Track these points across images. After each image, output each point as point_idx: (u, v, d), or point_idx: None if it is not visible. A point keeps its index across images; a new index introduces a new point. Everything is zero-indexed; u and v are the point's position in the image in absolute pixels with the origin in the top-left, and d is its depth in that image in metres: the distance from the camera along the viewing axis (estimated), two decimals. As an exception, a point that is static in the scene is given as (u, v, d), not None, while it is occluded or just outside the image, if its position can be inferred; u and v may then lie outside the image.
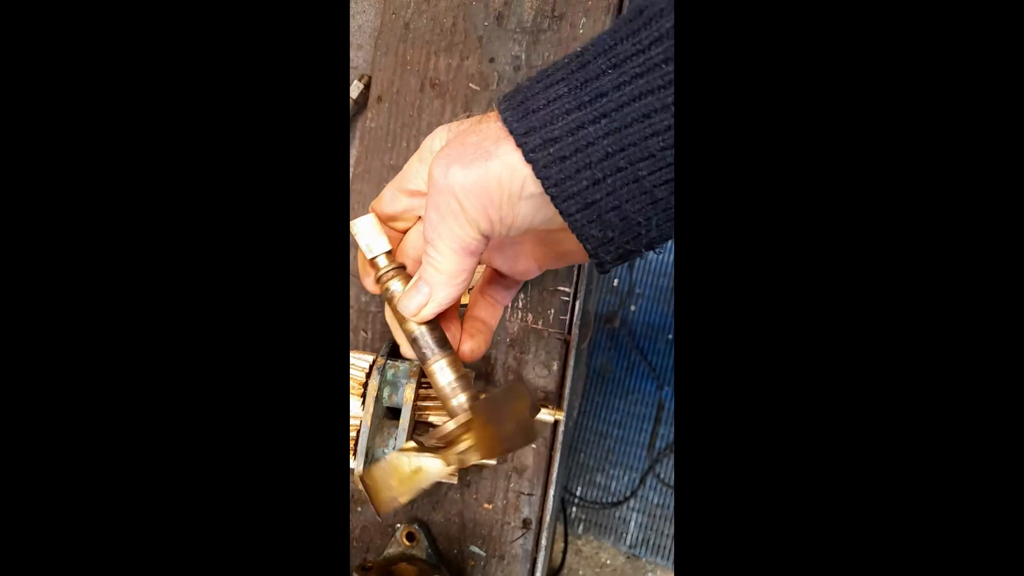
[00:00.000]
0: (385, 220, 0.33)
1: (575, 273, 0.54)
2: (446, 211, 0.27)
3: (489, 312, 0.36)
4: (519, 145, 0.26)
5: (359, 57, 0.64)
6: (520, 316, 0.54)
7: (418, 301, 0.30)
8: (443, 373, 0.31)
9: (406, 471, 0.30)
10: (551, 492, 0.53)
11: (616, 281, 1.44)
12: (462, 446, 0.29)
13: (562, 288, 0.54)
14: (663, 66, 0.23)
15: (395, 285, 0.31)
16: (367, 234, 0.32)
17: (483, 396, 0.30)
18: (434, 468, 0.31)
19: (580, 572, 1.45)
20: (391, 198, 0.33)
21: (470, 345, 0.34)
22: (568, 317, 0.54)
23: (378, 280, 0.32)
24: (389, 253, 0.32)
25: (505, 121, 0.26)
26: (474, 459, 0.30)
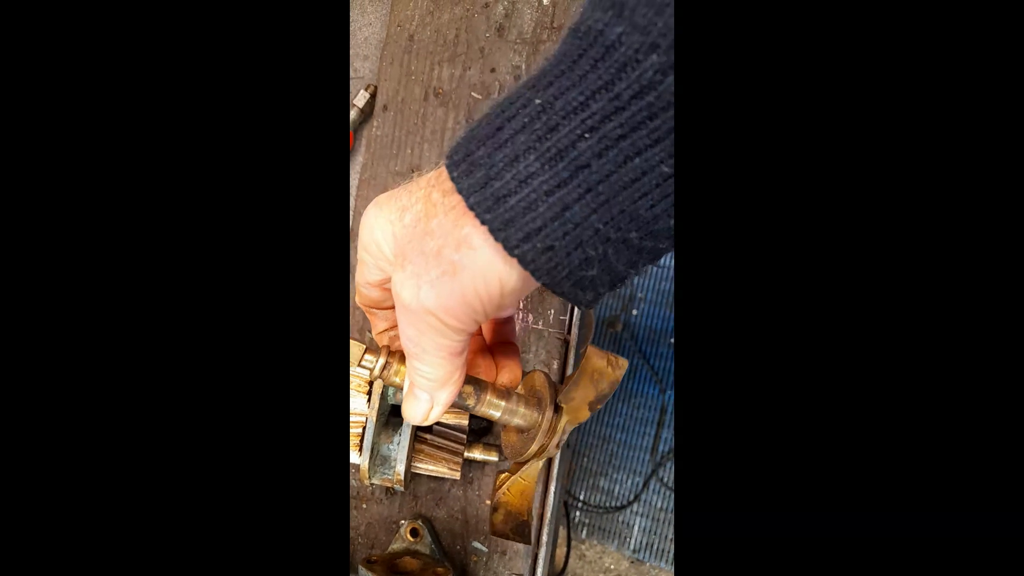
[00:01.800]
0: (375, 305, 0.31)
1: (574, 275, 0.56)
2: (425, 327, 0.25)
3: (506, 328, 0.34)
4: (498, 240, 0.22)
5: (365, 68, 0.66)
6: (521, 316, 0.56)
7: (422, 409, 0.29)
8: (493, 408, 0.30)
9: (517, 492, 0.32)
10: (552, 488, 0.54)
11: (618, 286, 1.45)
12: (550, 442, 0.29)
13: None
14: (648, 123, 0.20)
15: (398, 371, 0.30)
16: None
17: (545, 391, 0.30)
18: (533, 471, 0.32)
19: (584, 577, 1.45)
20: (367, 292, 0.31)
21: (507, 376, 0.33)
22: (568, 317, 0.55)
23: (378, 379, 0.31)
24: (366, 350, 0.30)
25: (473, 208, 0.22)
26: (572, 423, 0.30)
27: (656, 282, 1.44)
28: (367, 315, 0.33)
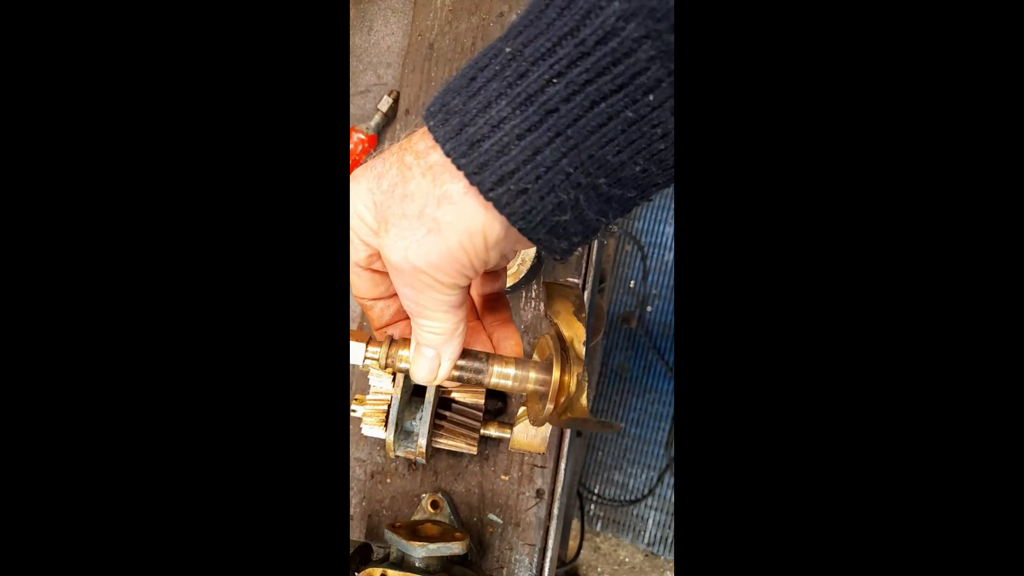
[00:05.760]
0: (368, 295, 0.31)
1: (584, 264, 0.60)
2: (421, 286, 0.26)
3: (498, 306, 0.35)
4: (473, 184, 0.23)
5: (388, 74, 0.70)
6: (533, 305, 0.60)
7: (429, 367, 0.29)
8: (503, 378, 0.31)
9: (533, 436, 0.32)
10: (563, 465, 0.58)
11: (632, 282, 1.48)
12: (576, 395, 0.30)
13: (571, 280, 0.59)
14: (612, 68, 0.21)
15: (401, 357, 0.31)
16: None
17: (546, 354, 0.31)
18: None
19: (599, 569, 1.48)
20: (359, 282, 0.31)
21: (509, 349, 0.34)
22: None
23: (386, 368, 0.31)
24: (369, 341, 0.31)
25: (449, 154, 0.23)
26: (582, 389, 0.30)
27: (670, 278, 1.46)
28: (364, 311, 0.33)
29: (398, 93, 0.66)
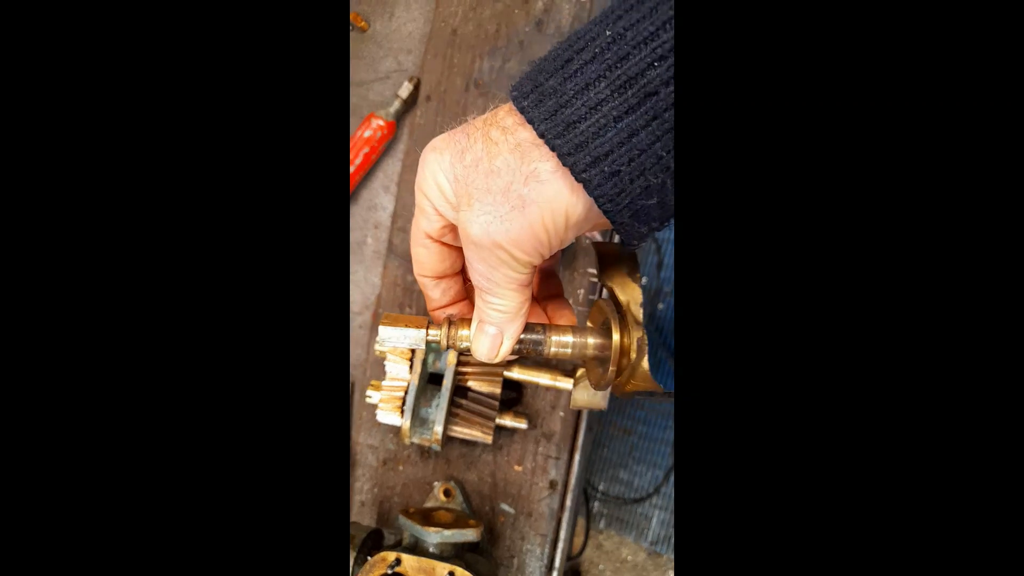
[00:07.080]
0: (429, 272, 0.31)
1: (603, 257, 0.59)
2: (496, 262, 0.26)
3: (551, 282, 0.36)
4: (567, 164, 0.23)
5: (409, 61, 0.70)
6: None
7: (491, 344, 0.29)
8: (562, 347, 0.31)
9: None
10: (577, 457, 0.58)
11: (644, 279, 1.47)
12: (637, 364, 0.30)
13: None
14: None
15: (462, 337, 0.31)
16: (396, 339, 0.31)
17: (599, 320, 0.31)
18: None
19: (600, 566, 1.48)
20: (427, 255, 0.30)
21: (564, 321, 0.34)
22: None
23: (450, 347, 0.31)
24: (429, 325, 0.31)
25: (543, 135, 0.23)
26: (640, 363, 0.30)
27: (682, 277, 1.44)
28: (423, 289, 0.33)
29: (418, 79, 0.66)
